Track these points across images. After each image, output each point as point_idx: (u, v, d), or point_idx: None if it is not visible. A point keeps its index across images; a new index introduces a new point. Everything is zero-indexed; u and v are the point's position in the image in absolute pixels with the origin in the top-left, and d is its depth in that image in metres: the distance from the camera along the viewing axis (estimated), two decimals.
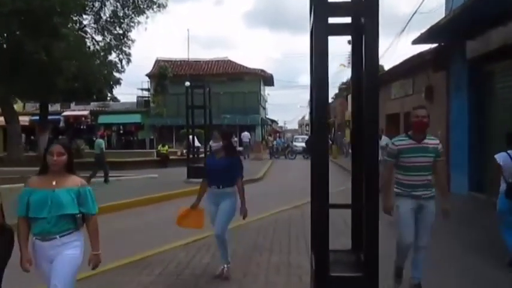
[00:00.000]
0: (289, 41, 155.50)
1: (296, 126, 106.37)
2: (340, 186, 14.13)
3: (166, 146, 22.81)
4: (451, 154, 12.47)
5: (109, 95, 56.80)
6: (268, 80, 41.47)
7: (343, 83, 51.42)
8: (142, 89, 41.81)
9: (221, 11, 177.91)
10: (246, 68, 38.76)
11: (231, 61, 40.17)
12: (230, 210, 5.48)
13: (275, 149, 32.04)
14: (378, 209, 3.55)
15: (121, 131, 40.14)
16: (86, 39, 22.78)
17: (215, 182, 5.47)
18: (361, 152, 3.55)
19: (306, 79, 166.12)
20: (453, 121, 12.56)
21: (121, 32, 21.70)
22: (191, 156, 16.66)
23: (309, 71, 3.97)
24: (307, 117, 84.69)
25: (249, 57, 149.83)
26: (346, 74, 76.65)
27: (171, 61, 39.85)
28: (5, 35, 17.79)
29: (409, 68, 15.48)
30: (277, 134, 41.77)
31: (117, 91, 66.36)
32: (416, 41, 12.56)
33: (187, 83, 15.70)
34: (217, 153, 5.60)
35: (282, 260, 6.17)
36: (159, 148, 23.03)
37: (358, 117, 3.75)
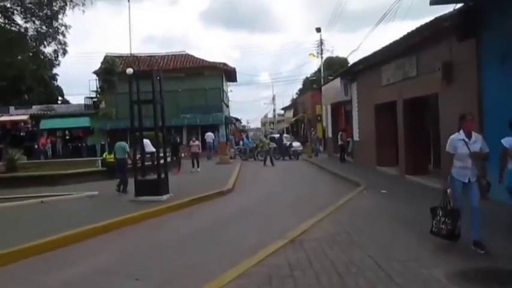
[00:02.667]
0: (246, 39, 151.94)
1: (259, 125, 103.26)
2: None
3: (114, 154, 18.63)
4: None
5: (59, 98, 51.86)
6: (231, 74, 37.70)
7: (313, 74, 48.41)
8: (92, 91, 37.28)
9: (177, 11, 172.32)
10: (206, 61, 34.85)
11: (189, 55, 36.17)
12: None
13: (243, 150, 28.36)
14: None
15: (67, 137, 35.33)
16: (9, 26, 18.38)
17: None
18: None
19: (266, 77, 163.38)
20: (488, 107, 9.28)
21: (49, 13, 17.41)
22: (139, 166, 12.73)
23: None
24: (270, 115, 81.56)
25: (207, 56, 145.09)
26: (315, 65, 74.21)
27: (122, 57, 35.42)
28: None
29: (412, 44, 12.18)
30: (243, 134, 38.02)
31: (68, 92, 61.42)
32: (435, 1, 9.20)
33: (130, 70, 11.80)
34: None
35: None
36: (104, 156, 18.87)
37: None
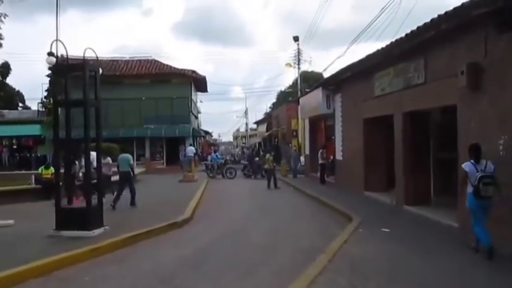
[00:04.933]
0: (220, 53, 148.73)
1: (231, 139, 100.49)
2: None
3: (51, 169, 15.36)
4: None
5: (20, 104, 47.77)
6: (201, 83, 34.73)
7: (288, 87, 45.88)
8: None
9: (150, 22, 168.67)
10: (174, 68, 31.78)
11: (156, 61, 33.02)
12: None
13: (210, 167, 25.31)
14: None
15: (14, 146, 31.50)
16: None
17: None
18: None
19: (239, 90, 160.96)
20: None
21: None
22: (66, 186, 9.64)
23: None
24: (242, 129, 78.72)
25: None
26: (290, 78, 71.91)
27: (79, 59, 31.95)
28: None
29: (420, 42, 9.64)
30: (213, 148, 35.03)
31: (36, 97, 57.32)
32: None
33: (51, 59, 8.79)
34: None
35: None
36: (40, 171, 15.56)
37: None
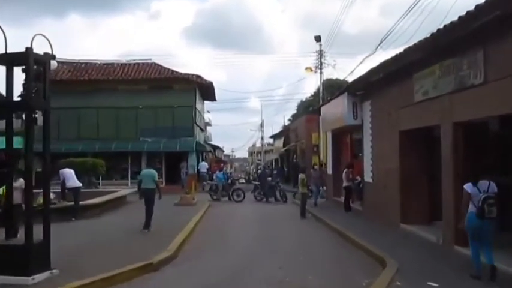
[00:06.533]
0: (234, 59, 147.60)
1: (246, 155, 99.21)
2: None
3: None
4: None
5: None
6: (208, 90, 33.33)
7: (310, 96, 44.09)
8: None
9: (158, 26, 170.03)
10: (176, 72, 30.50)
11: (156, 64, 31.76)
12: None
13: (214, 188, 23.70)
14: None
15: None
16: None
17: None
18: None
19: (254, 102, 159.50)
20: None
21: None
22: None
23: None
24: (258, 144, 77.17)
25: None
26: (312, 86, 69.95)
27: (72, 63, 31.07)
28: None
29: (477, 28, 7.99)
30: (220, 165, 33.45)
31: None
32: None
33: None
34: None
35: None
36: (1, 191, 14.14)
37: None
